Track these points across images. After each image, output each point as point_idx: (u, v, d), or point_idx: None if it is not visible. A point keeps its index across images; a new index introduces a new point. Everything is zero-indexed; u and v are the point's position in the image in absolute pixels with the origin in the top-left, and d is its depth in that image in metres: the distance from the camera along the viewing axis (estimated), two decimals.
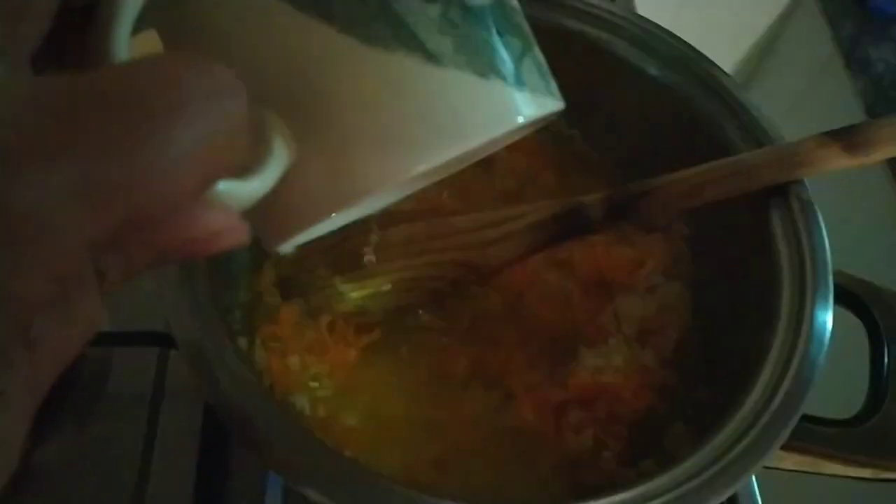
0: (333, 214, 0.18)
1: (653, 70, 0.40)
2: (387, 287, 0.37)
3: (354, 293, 0.37)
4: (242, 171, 0.16)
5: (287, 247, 0.20)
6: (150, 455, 0.40)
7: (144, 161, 0.12)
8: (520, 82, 0.19)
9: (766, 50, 0.86)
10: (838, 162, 0.34)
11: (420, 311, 0.38)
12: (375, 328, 0.37)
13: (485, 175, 0.42)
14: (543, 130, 0.42)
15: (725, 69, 0.39)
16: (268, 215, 0.19)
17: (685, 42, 0.40)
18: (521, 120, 0.19)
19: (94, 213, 0.12)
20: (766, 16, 0.83)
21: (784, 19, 0.83)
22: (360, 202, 0.18)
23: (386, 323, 0.37)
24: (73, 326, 0.13)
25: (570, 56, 0.39)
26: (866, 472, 0.34)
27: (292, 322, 0.36)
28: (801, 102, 0.78)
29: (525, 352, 0.37)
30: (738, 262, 0.37)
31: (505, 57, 0.19)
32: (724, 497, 0.28)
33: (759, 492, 0.41)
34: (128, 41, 0.16)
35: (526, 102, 0.19)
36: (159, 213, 0.13)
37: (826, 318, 0.32)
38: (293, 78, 0.18)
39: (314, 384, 0.35)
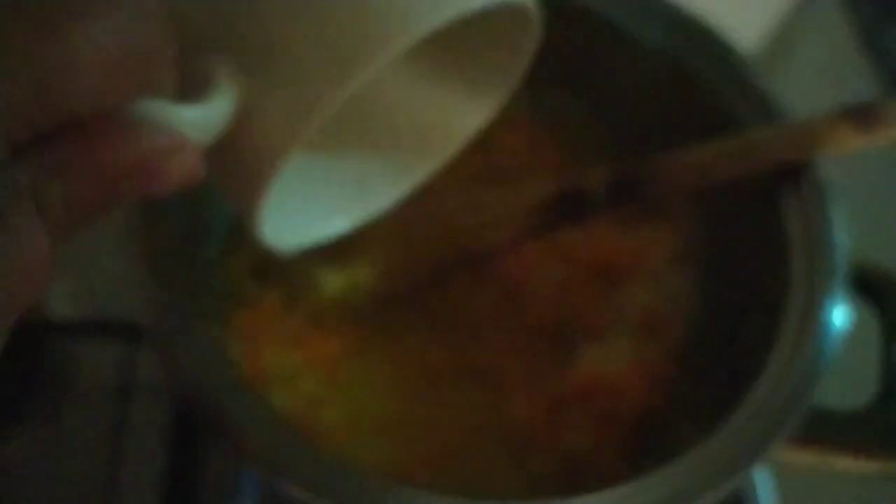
0: (299, 140, 0.18)
1: (653, 40, 0.38)
2: (371, 274, 0.36)
3: (336, 281, 0.35)
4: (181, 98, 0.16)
5: (285, 244, 0.21)
6: (120, 450, 0.38)
7: (49, 54, 0.12)
8: None
9: (783, 35, 0.86)
10: (852, 140, 0.33)
11: (407, 300, 0.36)
12: (359, 318, 0.35)
13: (481, 156, 0.40)
14: (544, 108, 0.41)
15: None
16: (237, 175, 0.18)
17: (686, 12, 0.38)
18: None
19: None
20: (782, 2, 0.83)
21: (802, 5, 0.83)
22: (323, 114, 0.17)
23: (370, 313, 0.35)
24: (12, 263, 0.13)
25: (568, 28, 0.38)
26: (874, 467, 0.33)
27: (269, 311, 0.35)
28: (820, 87, 0.78)
29: (520, 345, 0.35)
30: (746, 250, 0.36)
31: None
32: (726, 491, 0.27)
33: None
34: None
35: None
36: (81, 111, 0.13)
37: (837, 309, 0.31)
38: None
39: (292, 377, 0.34)
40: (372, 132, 0.26)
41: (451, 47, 0.23)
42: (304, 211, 0.24)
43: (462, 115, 0.26)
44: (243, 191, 0.19)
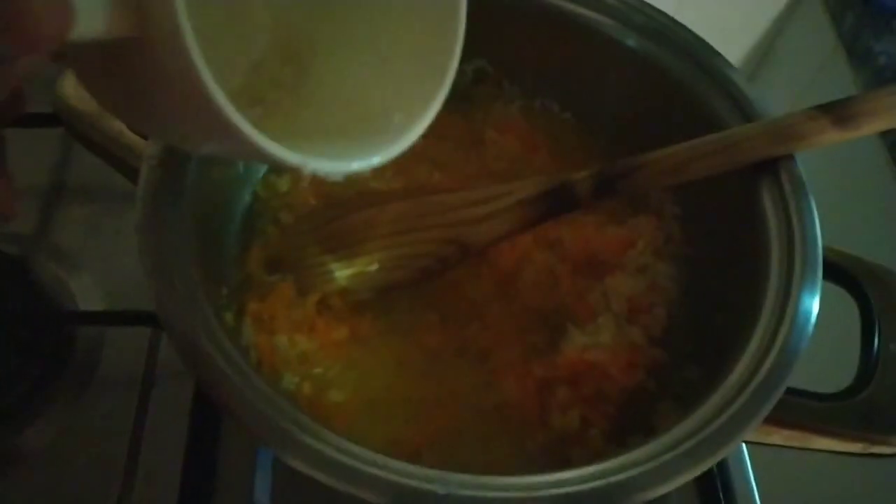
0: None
1: (633, 44, 0.40)
2: (375, 265, 0.37)
3: (343, 271, 0.37)
4: None
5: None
6: (141, 435, 0.40)
7: None
8: None
9: (768, 44, 0.86)
10: (829, 136, 0.33)
11: (409, 289, 0.37)
12: (364, 306, 0.37)
13: (476, 157, 0.42)
14: (536, 114, 0.42)
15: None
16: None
17: (665, 14, 0.40)
18: None
19: None
20: (768, 11, 0.83)
21: (786, 14, 0.83)
22: None
23: (375, 301, 0.37)
24: None
25: (554, 35, 0.41)
26: (856, 447, 0.34)
27: (282, 300, 0.36)
28: (805, 96, 0.78)
29: (512, 330, 0.37)
30: (727, 240, 0.37)
31: None
32: (705, 467, 0.28)
33: (753, 470, 0.41)
34: None
35: None
36: None
37: (813, 295, 0.32)
38: None
39: (302, 361, 0.35)
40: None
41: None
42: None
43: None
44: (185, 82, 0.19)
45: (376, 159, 0.26)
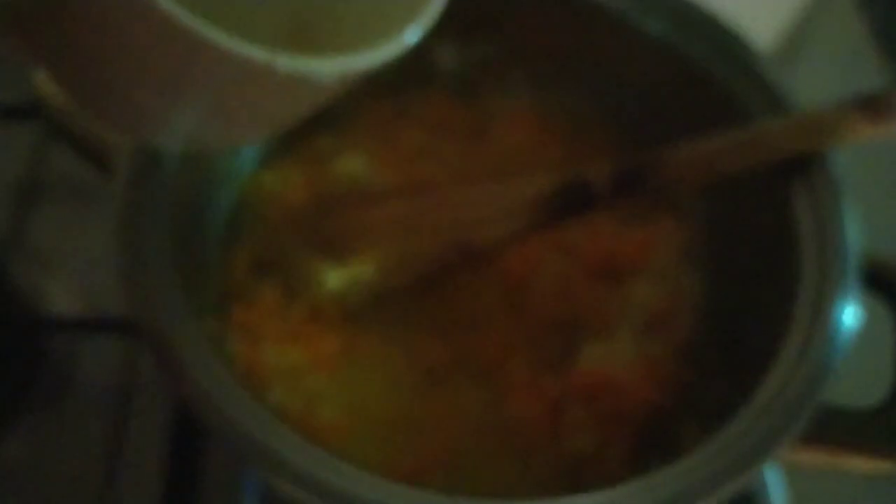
0: None
1: (658, 32, 0.38)
2: (371, 269, 0.35)
3: (336, 276, 0.35)
4: None
5: None
6: (120, 448, 0.38)
7: None
8: None
9: (797, 31, 0.86)
10: (863, 130, 0.32)
11: (407, 296, 0.36)
12: (359, 315, 0.35)
13: (481, 152, 0.41)
14: (549, 104, 0.41)
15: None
16: None
17: (692, 3, 0.38)
18: None
19: None
20: (794, 1, 0.83)
21: (814, 3, 0.83)
22: None
23: (370, 309, 0.35)
24: None
25: (572, 23, 0.39)
26: (888, 467, 0.32)
27: (270, 307, 0.35)
28: (835, 86, 0.78)
29: (521, 342, 0.35)
30: (756, 245, 0.36)
31: None
32: (733, 492, 0.26)
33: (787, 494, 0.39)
34: None
35: None
36: None
37: (849, 305, 0.30)
38: None
39: (290, 373, 0.33)
40: None
41: None
42: None
43: None
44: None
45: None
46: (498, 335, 0.35)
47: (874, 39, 0.72)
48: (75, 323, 0.42)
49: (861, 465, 0.32)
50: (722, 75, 0.36)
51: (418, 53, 0.41)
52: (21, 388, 0.39)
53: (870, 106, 0.32)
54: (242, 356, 0.33)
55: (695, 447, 0.27)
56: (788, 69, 0.87)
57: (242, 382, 0.31)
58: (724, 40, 0.37)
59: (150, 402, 0.39)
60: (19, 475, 0.38)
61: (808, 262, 0.31)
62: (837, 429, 0.31)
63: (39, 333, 0.41)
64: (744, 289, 0.35)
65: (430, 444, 0.33)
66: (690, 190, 0.37)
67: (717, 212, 0.38)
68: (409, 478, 0.31)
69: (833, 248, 0.31)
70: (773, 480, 0.38)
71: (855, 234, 0.32)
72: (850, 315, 0.30)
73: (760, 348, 0.31)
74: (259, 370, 0.33)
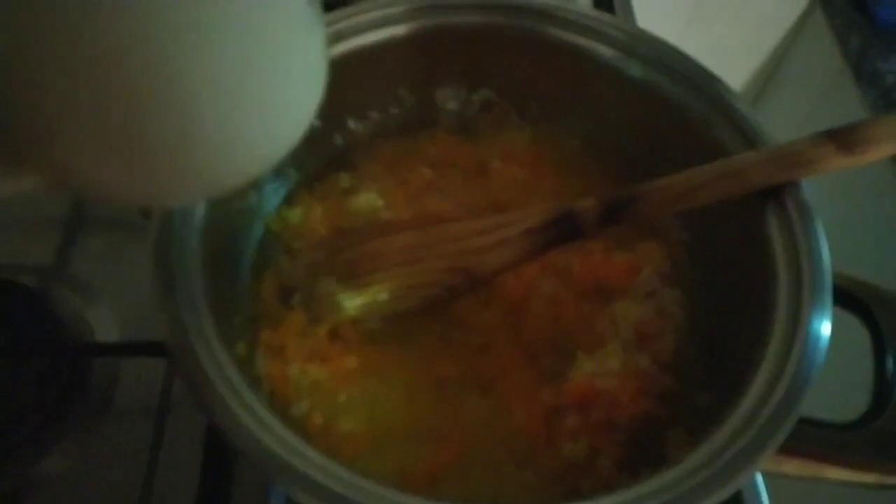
0: None
1: (637, 73, 0.40)
2: (385, 295, 0.37)
3: (354, 301, 0.37)
4: None
5: None
6: (156, 465, 0.40)
7: None
8: None
9: (774, 66, 0.86)
10: (834, 162, 0.33)
11: (418, 318, 0.38)
12: (375, 336, 0.37)
13: (483, 186, 0.43)
14: (542, 142, 0.43)
15: (734, 87, 0.40)
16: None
17: (668, 44, 0.40)
18: None
19: None
20: (773, 33, 0.83)
21: (791, 36, 0.83)
22: None
23: (385, 331, 0.37)
24: None
25: (559, 65, 0.42)
26: (870, 478, 0.33)
27: (294, 329, 0.37)
28: (812, 117, 0.78)
29: (522, 358, 0.37)
30: (735, 267, 0.37)
31: None
32: (718, 499, 0.27)
33: (769, 501, 0.40)
34: None
35: None
36: None
37: (823, 321, 0.32)
38: None
39: (313, 390, 0.35)
40: None
41: None
42: None
43: None
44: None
45: None
46: (499, 352, 0.37)
47: (851, 70, 0.73)
48: (115, 347, 0.43)
49: (842, 476, 0.33)
50: (701, 113, 0.39)
51: (425, 98, 0.44)
52: (64, 408, 0.41)
53: (842, 138, 0.33)
54: (269, 375, 0.35)
55: (682, 457, 0.28)
56: (767, 100, 0.88)
57: (269, 400, 0.34)
58: (701, 80, 0.39)
59: (185, 421, 0.41)
60: (62, 488, 0.39)
61: (783, 281, 0.33)
62: (819, 440, 0.32)
63: (82, 357, 0.42)
64: (724, 306, 0.37)
65: (440, 454, 0.34)
66: (672, 217, 0.40)
67: (697, 236, 0.40)
68: (421, 486, 0.33)
69: (806, 267, 0.33)
70: (757, 488, 0.39)
71: (826, 254, 0.33)
72: (824, 329, 0.31)
73: (741, 361, 0.32)
74: (285, 387, 0.35)
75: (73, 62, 0.19)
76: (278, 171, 0.41)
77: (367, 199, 0.40)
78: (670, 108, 0.39)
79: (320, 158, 0.42)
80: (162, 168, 0.23)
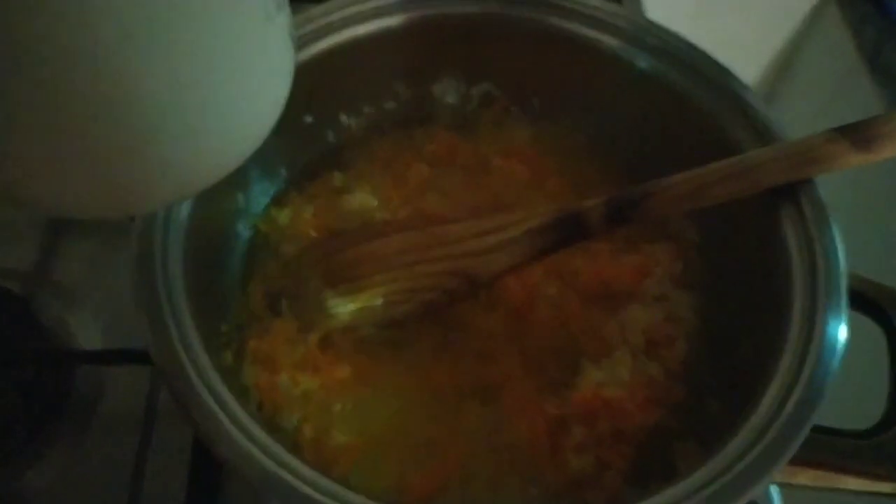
0: None
1: (645, 65, 0.39)
2: (379, 300, 0.36)
3: (346, 306, 0.36)
4: None
5: None
6: (142, 474, 0.39)
7: None
8: None
9: (787, 60, 0.85)
10: (849, 159, 0.33)
11: (415, 325, 0.36)
12: (369, 344, 0.36)
13: (484, 185, 0.41)
14: (545, 139, 0.42)
15: (747, 81, 0.39)
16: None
17: (677, 35, 0.39)
18: None
19: None
20: (785, 26, 0.82)
21: (804, 29, 0.82)
22: None
23: (379, 338, 0.36)
24: None
25: (563, 57, 0.40)
26: (887, 488, 0.32)
27: (283, 337, 0.35)
28: (827, 111, 0.77)
29: (525, 367, 0.36)
30: (748, 268, 0.36)
31: None
32: None
33: None
34: None
35: None
36: None
37: (839, 325, 0.31)
38: None
39: (304, 400, 0.34)
40: None
41: None
42: None
43: None
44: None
45: None
46: (501, 360, 0.36)
47: (866, 63, 0.72)
48: (100, 355, 0.42)
49: (858, 486, 0.32)
50: (711, 107, 0.37)
51: (422, 92, 0.43)
52: (49, 417, 0.40)
53: (857, 134, 0.32)
54: (258, 385, 0.34)
55: (693, 468, 0.28)
56: (780, 95, 0.87)
57: (257, 411, 0.33)
58: (712, 73, 0.38)
59: (172, 430, 0.40)
60: (49, 499, 0.38)
61: (798, 284, 0.32)
62: (834, 450, 0.31)
63: (66, 365, 0.42)
64: (737, 310, 0.36)
65: (438, 467, 0.33)
66: (682, 218, 0.38)
67: (709, 236, 0.39)
68: (421, 498, 0.32)
69: (822, 270, 0.32)
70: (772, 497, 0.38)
71: (842, 257, 0.32)
72: (840, 334, 0.30)
73: (754, 369, 0.31)
74: (274, 397, 0.34)
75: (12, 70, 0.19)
76: (267, 170, 0.39)
77: (361, 199, 0.39)
78: (679, 102, 0.38)
79: (311, 156, 0.41)
80: (122, 174, 0.22)
